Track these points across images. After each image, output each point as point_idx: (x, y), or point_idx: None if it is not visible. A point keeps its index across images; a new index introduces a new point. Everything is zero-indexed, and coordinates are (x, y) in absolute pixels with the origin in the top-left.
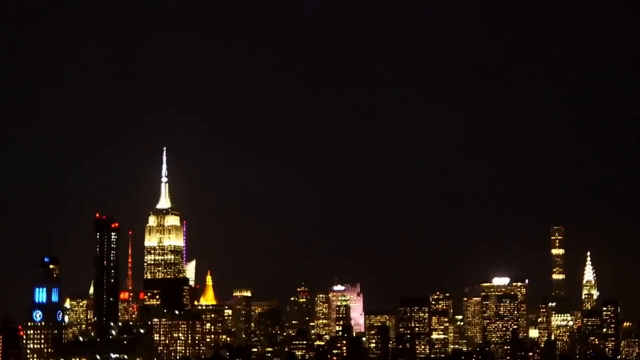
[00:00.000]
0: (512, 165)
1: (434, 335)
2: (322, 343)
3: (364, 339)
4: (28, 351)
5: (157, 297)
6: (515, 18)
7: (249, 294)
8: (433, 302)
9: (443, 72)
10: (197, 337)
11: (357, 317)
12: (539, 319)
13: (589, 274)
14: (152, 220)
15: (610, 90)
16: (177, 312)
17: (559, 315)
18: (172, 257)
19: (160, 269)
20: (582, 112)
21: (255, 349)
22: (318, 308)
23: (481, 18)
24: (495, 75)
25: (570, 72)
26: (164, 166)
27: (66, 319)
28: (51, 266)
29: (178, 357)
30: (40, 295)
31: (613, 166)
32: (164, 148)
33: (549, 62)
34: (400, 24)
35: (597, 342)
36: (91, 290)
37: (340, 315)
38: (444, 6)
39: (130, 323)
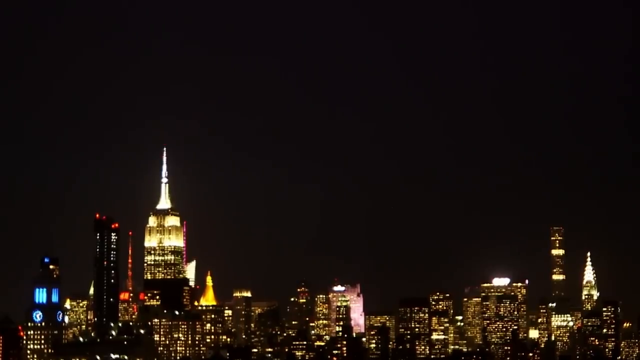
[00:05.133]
0: (512, 165)
1: (434, 336)
2: (322, 343)
3: (364, 339)
4: (28, 351)
5: (157, 297)
6: (512, 19)
7: (249, 294)
8: (433, 303)
9: (442, 72)
10: (197, 338)
11: (357, 318)
12: (539, 320)
13: (589, 275)
14: (152, 221)
15: (610, 90)
16: (177, 312)
17: (559, 315)
18: (172, 257)
19: (160, 269)
20: (582, 112)
21: (255, 350)
22: (318, 308)
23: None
24: (493, 77)
25: (568, 72)
26: (164, 167)
27: (66, 319)
28: (51, 266)
29: (178, 358)
30: (41, 295)
31: (613, 166)
32: (164, 148)
33: (546, 61)
34: (396, 23)
35: (597, 343)
36: (91, 291)
37: (340, 316)
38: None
39: (130, 323)
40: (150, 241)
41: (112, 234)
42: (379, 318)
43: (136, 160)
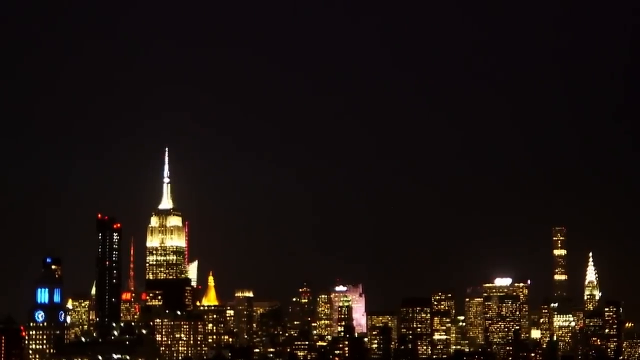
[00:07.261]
0: (514, 165)
1: (436, 336)
2: (324, 343)
3: (365, 339)
4: (30, 351)
5: (159, 297)
6: (513, 19)
7: (250, 294)
8: (435, 303)
9: (443, 72)
10: (199, 338)
11: (359, 318)
12: (541, 320)
13: (591, 275)
14: (154, 221)
15: (613, 91)
16: (179, 312)
17: (561, 316)
18: (174, 257)
19: (162, 269)
20: (583, 112)
21: (257, 350)
22: (320, 308)
23: (478, 23)
24: (494, 77)
25: (571, 72)
26: (166, 167)
27: (68, 319)
28: (53, 267)
29: (180, 358)
30: (43, 295)
31: (615, 167)
32: (166, 149)
33: (548, 61)
34: (396, 22)
35: (599, 343)
36: (93, 291)
37: (342, 316)
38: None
39: (132, 323)
40: (152, 241)
41: (114, 234)
42: (380, 318)
43: (138, 161)
